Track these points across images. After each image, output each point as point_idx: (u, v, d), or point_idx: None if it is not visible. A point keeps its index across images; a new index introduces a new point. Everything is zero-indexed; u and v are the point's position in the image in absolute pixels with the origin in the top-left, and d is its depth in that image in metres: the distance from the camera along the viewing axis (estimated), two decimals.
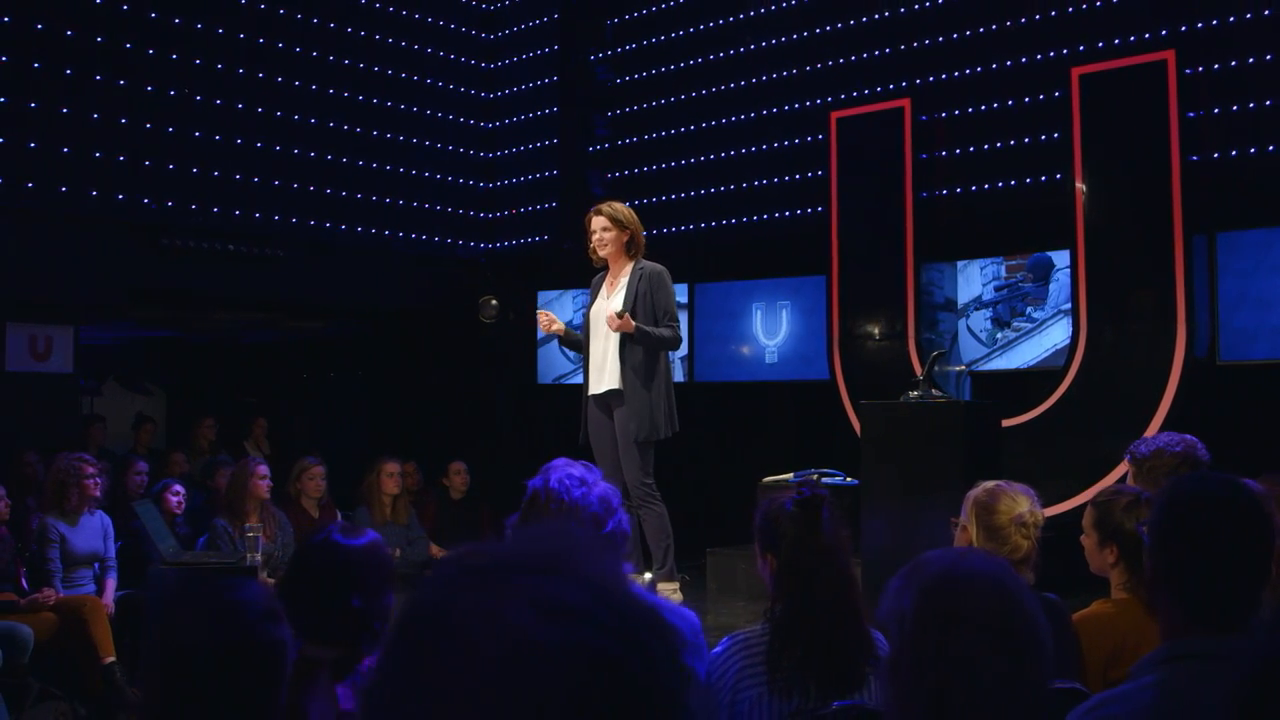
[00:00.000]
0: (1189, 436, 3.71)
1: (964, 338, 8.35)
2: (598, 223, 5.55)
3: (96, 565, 6.14)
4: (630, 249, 5.52)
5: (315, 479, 7.10)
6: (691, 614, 2.51)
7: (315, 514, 7.08)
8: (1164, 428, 6.96)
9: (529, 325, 10.30)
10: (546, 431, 10.41)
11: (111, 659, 5.67)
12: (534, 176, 10.62)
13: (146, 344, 12.48)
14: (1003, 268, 8.19)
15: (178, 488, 6.65)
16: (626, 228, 5.50)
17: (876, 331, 8.19)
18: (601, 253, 5.56)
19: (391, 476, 7.43)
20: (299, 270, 9.24)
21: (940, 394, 5.17)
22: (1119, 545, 2.99)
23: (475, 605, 0.74)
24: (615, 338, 5.32)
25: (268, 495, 6.57)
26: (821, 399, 8.55)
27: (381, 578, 2.57)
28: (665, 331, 5.36)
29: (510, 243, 10.79)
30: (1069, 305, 7.72)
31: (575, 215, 10.49)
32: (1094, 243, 7.20)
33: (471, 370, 10.59)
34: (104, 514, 6.23)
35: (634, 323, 5.27)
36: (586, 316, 5.64)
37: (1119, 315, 7.13)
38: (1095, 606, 3.09)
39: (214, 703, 1.69)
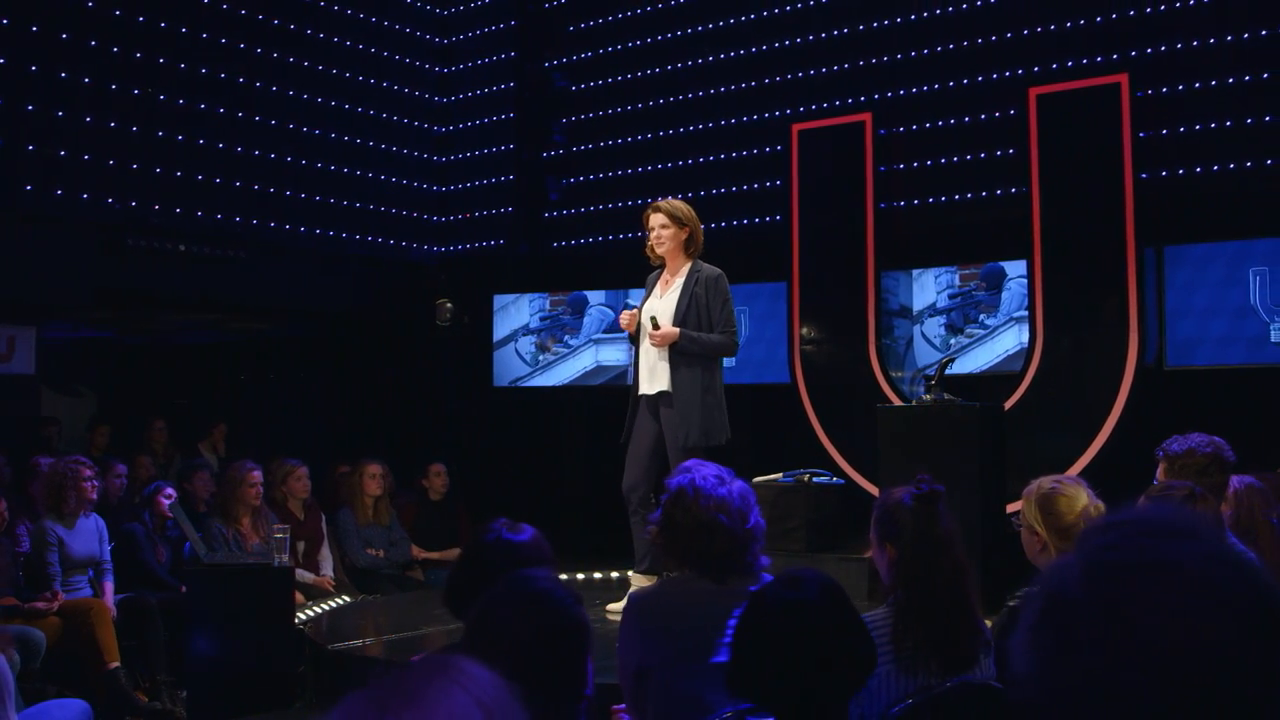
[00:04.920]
0: (1218, 439, 4.03)
1: (919, 343, 8.70)
2: (656, 219, 5.36)
3: (91, 569, 6.10)
4: (689, 247, 5.36)
5: (301, 480, 7.14)
6: None
7: (301, 515, 7.10)
8: (1116, 430, 7.40)
9: (484, 328, 10.40)
10: (504, 434, 10.52)
11: (116, 664, 5.66)
12: (490, 181, 10.71)
13: (77, 344, 12.21)
14: (956, 276, 8.55)
15: (169, 490, 6.62)
16: (685, 224, 5.34)
17: (836, 337, 8.45)
18: (660, 250, 5.36)
19: (374, 478, 7.48)
20: (258, 272, 9.21)
21: (952, 397, 5.46)
22: None
23: (1164, 558, 0.95)
24: None
25: (259, 500, 6.59)
26: (779, 402, 8.81)
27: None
28: (716, 337, 5.24)
29: (466, 246, 10.87)
30: (1020, 313, 8.11)
31: (531, 220, 10.67)
32: (1050, 254, 7.56)
33: (426, 373, 10.64)
34: (98, 516, 6.19)
35: (677, 330, 5.18)
36: (638, 315, 5.43)
37: (1074, 323, 7.51)
38: None
39: (544, 680, 1.86)
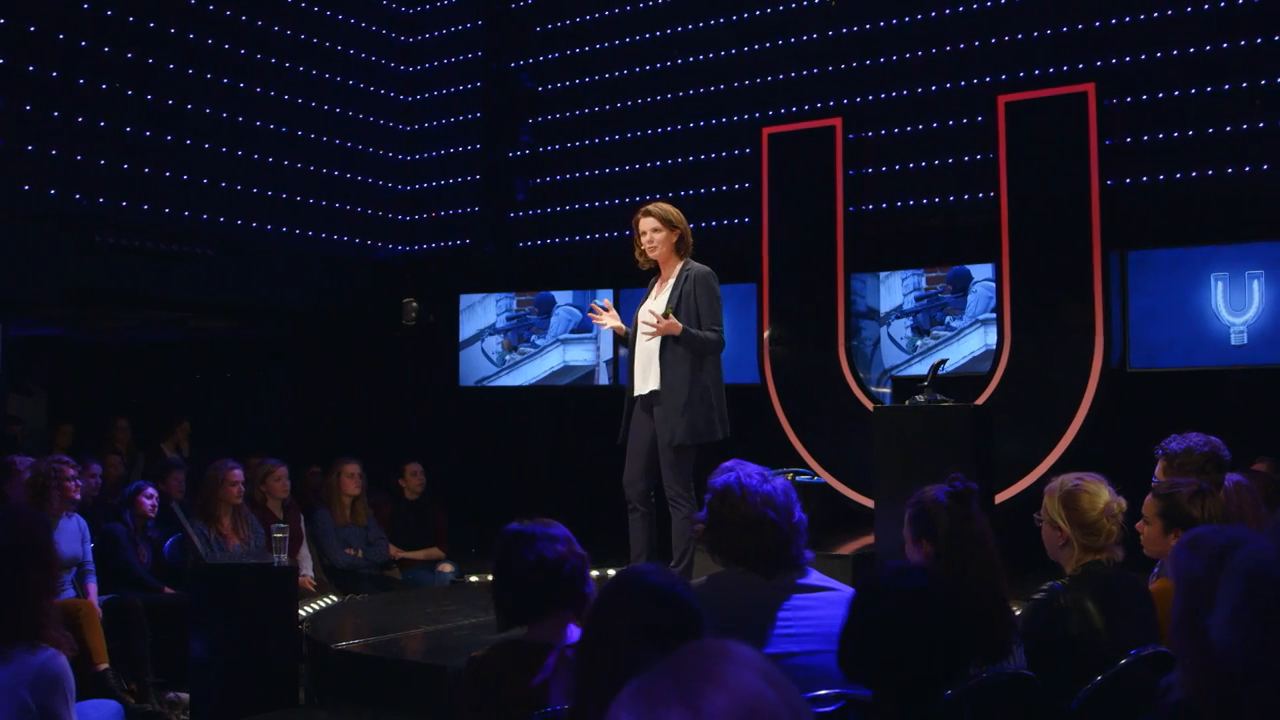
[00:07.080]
0: (1214, 438, 4.19)
1: (885, 345, 8.85)
2: (646, 224, 5.40)
3: (74, 570, 6.03)
4: (680, 248, 5.43)
5: (280, 480, 7.11)
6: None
7: (280, 515, 7.06)
8: (1082, 430, 7.59)
9: (450, 328, 10.40)
10: (471, 434, 10.51)
11: (105, 665, 5.60)
12: (456, 180, 10.70)
13: (28, 342, 11.99)
14: (923, 279, 8.71)
15: (151, 490, 6.56)
16: (676, 227, 5.39)
17: (806, 339, 8.55)
18: (652, 254, 5.40)
19: (352, 478, 7.47)
20: (225, 270, 9.14)
21: (944, 397, 5.58)
22: (1184, 530, 3.40)
23: None
24: (658, 338, 5.26)
25: (240, 500, 6.55)
26: (749, 402, 8.89)
27: (582, 560, 2.80)
28: (709, 334, 5.30)
29: (432, 245, 10.85)
30: (985, 315, 8.29)
31: (497, 220, 10.68)
32: (1017, 259, 7.72)
33: (391, 373, 10.61)
34: (80, 516, 6.12)
35: (679, 324, 5.21)
36: (636, 317, 5.47)
37: (1040, 326, 7.67)
38: (1159, 584, 3.51)
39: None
